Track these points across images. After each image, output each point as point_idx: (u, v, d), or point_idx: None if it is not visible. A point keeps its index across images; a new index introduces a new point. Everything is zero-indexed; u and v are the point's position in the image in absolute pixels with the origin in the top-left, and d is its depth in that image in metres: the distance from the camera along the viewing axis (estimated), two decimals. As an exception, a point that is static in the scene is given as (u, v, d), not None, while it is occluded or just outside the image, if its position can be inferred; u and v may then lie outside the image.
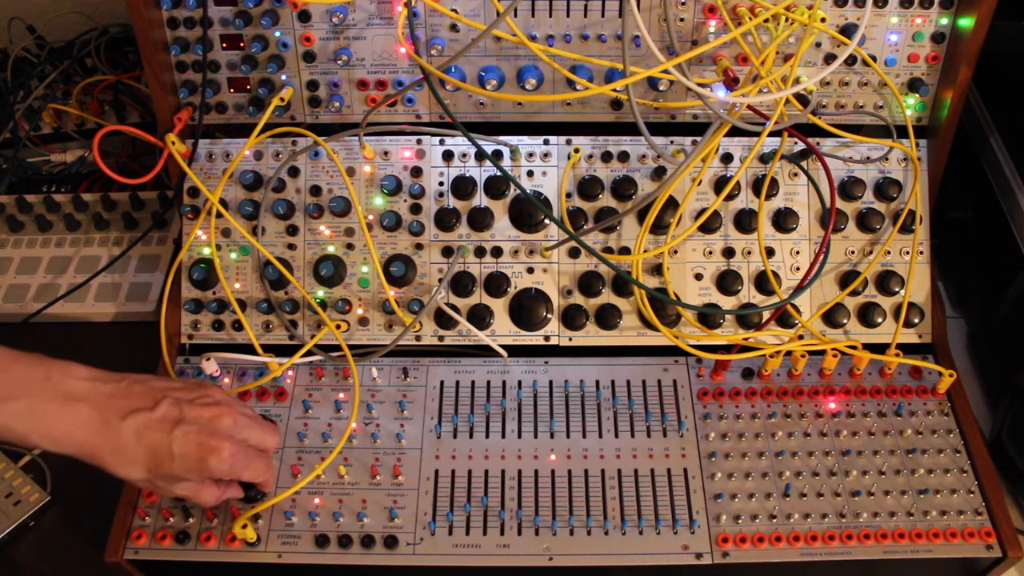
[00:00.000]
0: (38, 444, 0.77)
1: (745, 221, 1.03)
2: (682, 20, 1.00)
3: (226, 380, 1.02)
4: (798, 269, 1.04)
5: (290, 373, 1.03)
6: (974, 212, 1.14)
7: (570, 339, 1.04)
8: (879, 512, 0.91)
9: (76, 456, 0.78)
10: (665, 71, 0.92)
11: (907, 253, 1.04)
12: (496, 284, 1.03)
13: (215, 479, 0.88)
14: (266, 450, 0.88)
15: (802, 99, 1.03)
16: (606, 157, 1.05)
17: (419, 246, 1.05)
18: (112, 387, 0.80)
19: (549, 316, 1.04)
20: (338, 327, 1.03)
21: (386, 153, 1.05)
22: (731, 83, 0.96)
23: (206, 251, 1.05)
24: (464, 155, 1.05)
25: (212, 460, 0.80)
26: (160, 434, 0.78)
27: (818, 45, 1.01)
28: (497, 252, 1.04)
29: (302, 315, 1.05)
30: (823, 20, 0.96)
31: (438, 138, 1.06)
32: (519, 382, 1.01)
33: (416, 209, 1.05)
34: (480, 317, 1.03)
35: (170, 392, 0.82)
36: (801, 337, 1.02)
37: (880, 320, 1.04)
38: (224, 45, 1.03)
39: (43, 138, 1.34)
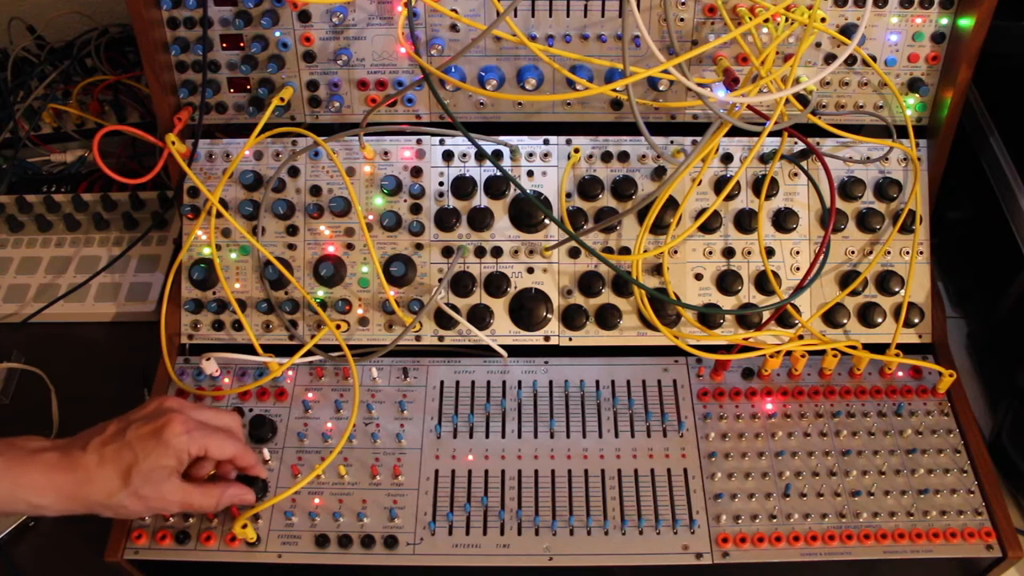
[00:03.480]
0: (23, 498, 0.81)
1: (745, 221, 1.03)
2: (682, 20, 1.00)
3: (226, 380, 1.02)
4: (798, 269, 1.04)
5: (290, 373, 1.03)
6: (974, 212, 1.14)
7: (570, 339, 1.04)
8: (879, 512, 0.91)
9: (63, 507, 0.82)
10: (665, 71, 0.92)
11: (907, 253, 1.04)
12: (496, 284, 1.03)
13: (201, 479, 0.89)
14: (230, 430, 0.90)
15: (802, 99, 1.03)
16: (606, 157, 1.05)
17: (419, 246, 1.05)
18: (68, 439, 0.85)
19: (549, 316, 1.04)
20: (338, 327, 1.03)
21: (386, 153, 1.05)
22: (731, 83, 0.96)
23: (206, 251, 1.05)
24: (464, 155, 1.05)
25: (167, 433, 0.83)
26: (115, 444, 0.83)
27: (818, 45, 1.01)
28: (497, 252, 1.04)
29: (302, 315, 1.05)
30: (823, 20, 0.96)
31: (438, 138, 1.06)
32: (519, 382, 1.01)
33: (416, 209, 1.05)
34: (480, 317, 1.03)
35: (116, 418, 0.87)
36: (801, 337, 1.02)
37: (880, 320, 1.04)
38: (224, 45, 1.03)
39: (43, 138, 1.34)
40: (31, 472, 0.80)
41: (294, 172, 1.05)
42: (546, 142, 1.06)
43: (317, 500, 0.93)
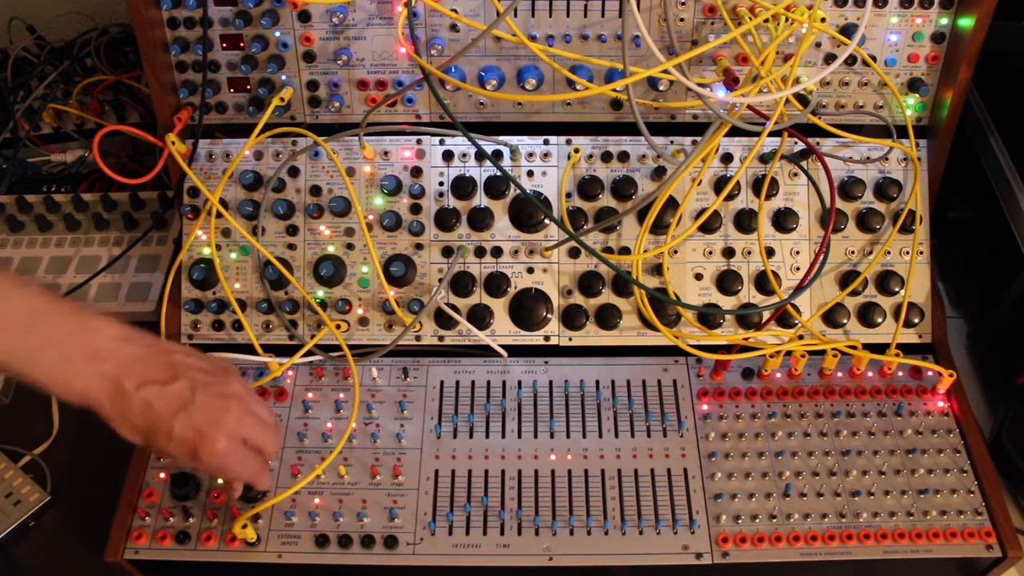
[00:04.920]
0: (55, 392, 0.77)
1: (745, 221, 1.04)
2: (682, 20, 1.00)
3: (226, 380, 1.02)
4: (798, 269, 1.04)
5: (290, 373, 1.03)
6: (974, 212, 1.14)
7: (570, 339, 1.04)
8: (879, 512, 0.91)
9: (86, 408, 0.78)
10: (665, 71, 0.92)
11: (907, 253, 1.04)
12: (496, 284, 1.03)
13: None
14: (262, 451, 0.87)
15: (802, 99, 1.03)
16: (606, 157, 1.05)
17: (419, 246, 1.05)
18: (138, 349, 0.80)
19: (549, 316, 1.04)
20: (338, 327, 1.03)
21: (386, 153, 1.05)
22: (731, 83, 0.96)
23: (206, 251, 1.05)
24: (464, 155, 1.05)
25: (204, 452, 0.80)
26: (165, 412, 0.79)
27: (818, 45, 1.01)
28: (497, 252, 1.04)
29: (302, 315, 1.05)
30: (823, 20, 0.96)
31: (438, 138, 1.06)
32: (519, 382, 1.01)
33: (416, 209, 1.05)
34: (480, 317, 1.03)
35: (190, 372, 0.81)
36: (801, 337, 1.02)
37: (880, 320, 1.04)
38: (224, 45, 1.03)
39: (43, 138, 1.34)
40: (76, 379, 0.76)
41: (294, 172, 1.05)
42: (546, 142, 1.06)
43: (317, 500, 0.93)
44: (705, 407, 0.99)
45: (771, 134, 1.01)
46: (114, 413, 0.78)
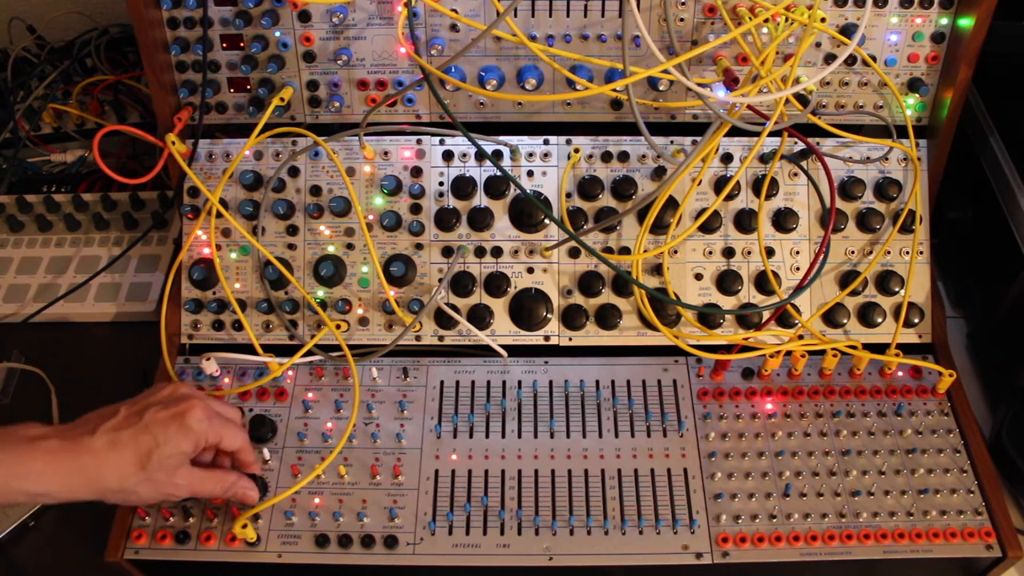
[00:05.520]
0: (21, 488, 0.77)
1: (745, 221, 1.03)
2: (682, 20, 1.00)
3: (226, 380, 1.02)
4: (798, 269, 1.04)
5: (290, 373, 1.03)
6: (974, 212, 1.14)
7: (570, 339, 1.04)
8: (879, 512, 0.91)
9: (67, 494, 0.79)
10: (665, 71, 0.92)
11: (907, 253, 1.04)
12: (496, 284, 1.03)
13: (211, 465, 0.89)
14: (237, 422, 0.91)
15: (802, 99, 1.03)
16: (606, 157, 1.05)
17: (419, 246, 1.05)
18: (69, 423, 0.82)
19: (549, 316, 1.04)
20: (338, 327, 1.03)
21: (386, 153, 1.05)
22: (731, 83, 0.96)
23: (206, 251, 1.05)
24: (464, 155, 1.05)
25: (190, 419, 0.82)
26: (131, 429, 0.81)
27: (818, 45, 1.01)
28: (497, 252, 1.04)
29: (302, 315, 1.05)
30: (823, 20, 0.96)
31: (438, 138, 1.06)
32: (519, 382, 1.01)
33: (416, 209, 1.05)
34: (480, 317, 1.03)
35: (124, 402, 0.84)
36: (801, 337, 1.02)
37: (880, 320, 1.04)
38: (224, 45, 1.03)
39: (43, 138, 1.34)
40: (31, 460, 0.77)
41: (294, 172, 1.05)
42: (546, 142, 1.06)
43: (317, 500, 0.93)
44: (705, 407, 0.99)
45: (771, 134, 1.01)
46: (91, 469, 0.79)
